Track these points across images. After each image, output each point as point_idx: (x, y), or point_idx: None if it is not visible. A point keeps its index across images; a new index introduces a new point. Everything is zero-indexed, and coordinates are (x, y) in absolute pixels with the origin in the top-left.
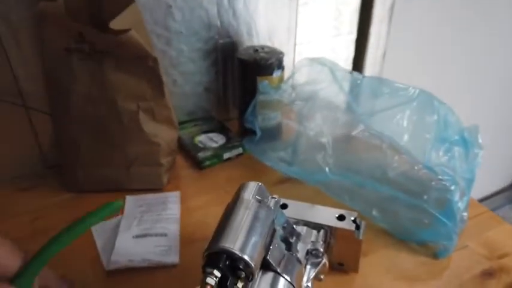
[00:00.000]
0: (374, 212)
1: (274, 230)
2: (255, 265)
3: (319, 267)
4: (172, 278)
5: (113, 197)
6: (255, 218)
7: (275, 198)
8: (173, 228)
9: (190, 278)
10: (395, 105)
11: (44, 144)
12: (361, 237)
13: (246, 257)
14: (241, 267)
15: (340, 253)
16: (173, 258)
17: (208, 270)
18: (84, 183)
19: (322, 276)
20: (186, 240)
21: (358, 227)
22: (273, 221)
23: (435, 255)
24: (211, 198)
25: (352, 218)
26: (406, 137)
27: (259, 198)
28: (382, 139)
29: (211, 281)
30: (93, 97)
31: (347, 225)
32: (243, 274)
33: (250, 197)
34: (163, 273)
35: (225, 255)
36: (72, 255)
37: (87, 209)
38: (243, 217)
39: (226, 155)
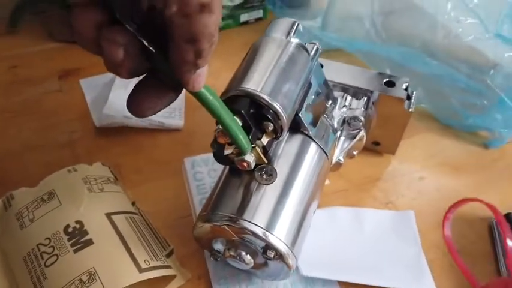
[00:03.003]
0: (419, 91)
1: (310, 85)
2: (286, 117)
3: (355, 139)
4: (174, 143)
5: None
6: (290, 60)
7: (315, 44)
8: None
9: (195, 144)
10: None
11: None
12: (411, 110)
13: (276, 105)
14: (269, 117)
15: (378, 129)
16: (178, 121)
17: None
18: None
19: (355, 152)
20: (192, 103)
21: (409, 97)
22: (311, 71)
23: (485, 145)
24: (222, 64)
25: (404, 86)
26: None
27: (296, 40)
28: None
29: None
30: None
31: (397, 92)
32: (271, 127)
33: (284, 37)
34: (165, 137)
35: (249, 100)
36: (59, 109)
37: (77, 61)
38: (274, 57)
39: (243, 17)
